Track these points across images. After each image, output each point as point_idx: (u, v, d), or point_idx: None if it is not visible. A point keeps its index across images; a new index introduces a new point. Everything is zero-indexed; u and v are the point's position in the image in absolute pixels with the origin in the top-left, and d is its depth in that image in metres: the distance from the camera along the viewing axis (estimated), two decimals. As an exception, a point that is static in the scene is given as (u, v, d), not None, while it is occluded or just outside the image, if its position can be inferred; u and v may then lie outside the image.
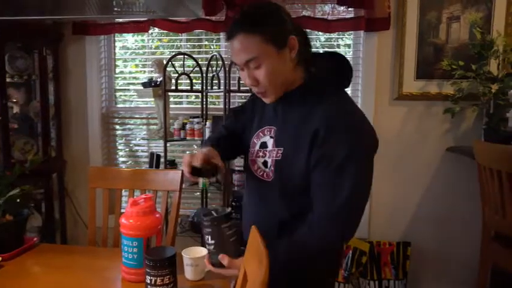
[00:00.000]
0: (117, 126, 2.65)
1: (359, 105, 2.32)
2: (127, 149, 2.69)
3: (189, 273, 1.10)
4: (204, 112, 2.33)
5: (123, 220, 1.10)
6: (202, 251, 1.13)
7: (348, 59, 1.14)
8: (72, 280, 1.14)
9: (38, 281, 1.14)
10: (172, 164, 2.32)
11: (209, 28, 2.30)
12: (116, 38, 2.57)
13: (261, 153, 1.08)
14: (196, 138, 2.19)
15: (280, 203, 1.03)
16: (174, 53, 2.25)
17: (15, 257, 1.29)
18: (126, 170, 1.93)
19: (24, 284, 1.11)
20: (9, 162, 2.12)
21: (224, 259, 0.95)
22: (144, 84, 2.19)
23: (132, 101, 2.65)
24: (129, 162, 2.68)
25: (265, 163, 1.07)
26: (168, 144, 2.16)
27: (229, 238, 0.97)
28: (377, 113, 2.31)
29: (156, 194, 1.68)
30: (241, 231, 1.07)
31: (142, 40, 2.57)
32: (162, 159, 2.27)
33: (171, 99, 2.49)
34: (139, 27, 2.30)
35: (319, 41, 2.45)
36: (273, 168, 1.04)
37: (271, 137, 1.07)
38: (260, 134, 1.10)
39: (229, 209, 1.02)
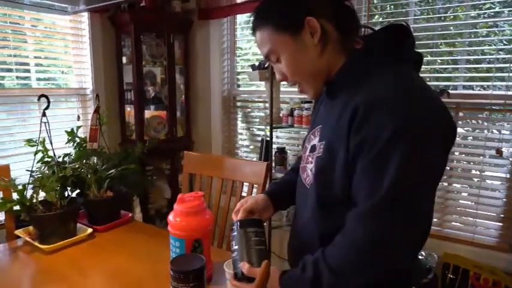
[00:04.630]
0: (238, 110, 2.66)
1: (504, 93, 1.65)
2: (248, 133, 2.68)
3: (228, 289, 0.95)
4: (319, 96, 2.07)
5: (170, 217, 1.03)
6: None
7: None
8: (134, 264, 1.17)
9: (112, 257, 1.22)
10: (281, 152, 2.18)
11: None
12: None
13: (310, 159, 0.87)
14: (304, 125, 1.97)
15: (319, 213, 0.84)
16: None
17: (109, 230, 1.43)
18: (217, 157, 1.93)
19: (101, 257, 1.22)
20: (143, 139, 2.39)
21: (244, 266, 0.82)
22: (253, 67, 2.08)
23: (254, 84, 2.60)
24: (251, 146, 2.67)
25: (312, 170, 0.87)
26: (286, 130, 1.99)
27: (254, 245, 0.85)
28: None
29: (243, 186, 1.59)
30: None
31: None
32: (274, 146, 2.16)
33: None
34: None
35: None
36: (314, 169, 0.84)
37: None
38: (311, 136, 0.92)
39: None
